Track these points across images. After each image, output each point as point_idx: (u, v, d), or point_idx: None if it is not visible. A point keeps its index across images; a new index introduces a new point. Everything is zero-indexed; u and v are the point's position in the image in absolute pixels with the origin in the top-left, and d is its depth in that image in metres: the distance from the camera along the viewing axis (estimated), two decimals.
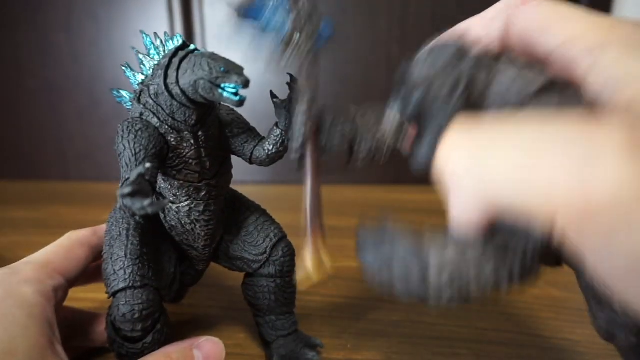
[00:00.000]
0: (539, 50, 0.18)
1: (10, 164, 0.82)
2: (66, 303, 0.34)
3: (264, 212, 0.33)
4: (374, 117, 0.22)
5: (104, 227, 0.32)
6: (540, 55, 0.18)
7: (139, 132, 0.25)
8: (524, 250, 0.17)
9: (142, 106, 0.27)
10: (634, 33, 0.15)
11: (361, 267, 0.18)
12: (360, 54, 0.74)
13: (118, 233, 0.28)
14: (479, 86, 0.18)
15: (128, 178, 0.22)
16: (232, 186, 0.32)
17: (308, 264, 0.20)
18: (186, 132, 0.27)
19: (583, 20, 0.17)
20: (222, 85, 0.23)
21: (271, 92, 0.28)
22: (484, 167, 0.14)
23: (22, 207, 0.68)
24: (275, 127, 0.28)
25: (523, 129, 0.14)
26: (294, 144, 0.21)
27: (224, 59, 0.24)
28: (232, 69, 0.23)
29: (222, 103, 0.28)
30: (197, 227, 0.29)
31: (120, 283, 0.26)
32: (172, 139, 0.26)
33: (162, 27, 0.74)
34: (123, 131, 0.25)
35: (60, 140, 0.81)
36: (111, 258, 0.27)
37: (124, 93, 0.29)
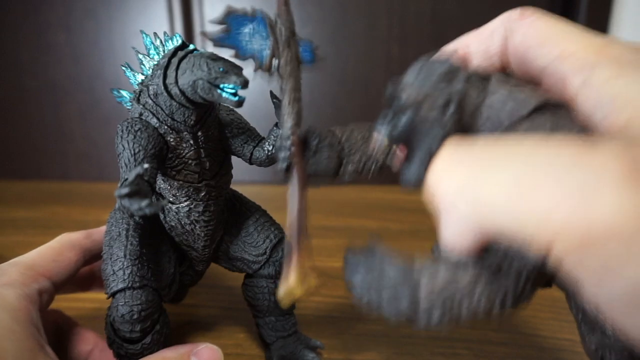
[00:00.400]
0: (533, 66, 0.18)
1: (10, 164, 0.82)
2: (66, 303, 0.34)
3: (264, 213, 0.33)
4: (361, 138, 0.22)
5: (98, 230, 0.32)
6: (535, 70, 0.18)
7: (138, 133, 0.25)
8: (518, 273, 0.16)
9: (141, 106, 0.27)
10: (625, 53, 0.15)
11: (349, 288, 0.18)
12: (360, 54, 0.74)
13: (117, 233, 0.28)
14: (470, 107, 0.18)
15: (127, 178, 0.22)
16: (232, 186, 0.32)
17: (292, 279, 0.19)
18: (185, 133, 0.27)
19: (576, 37, 0.17)
20: (221, 86, 0.23)
21: (271, 92, 0.28)
22: (477, 191, 0.14)
23: (22, 207, 0.68)
24: (275, 128, 0.28)
25: (517, 152, 0.14)
26: (279, 164, 0.21)
27: (223, 59, 0.24)
28: (231, 70, 0.23)
29: (221, 103, 0.28)
30: (197, 227, 0.29)
31: (119, 283, 0.26)
32: (172, 139, 0.26)
33: (162, 27, 0.74)
34: (122, 131, 0.25)
35: (60, 140, 0.81)
36: (110, 258, 0.27)
37: (124, 93, 0.29)
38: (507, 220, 0.14)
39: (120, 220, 0.28)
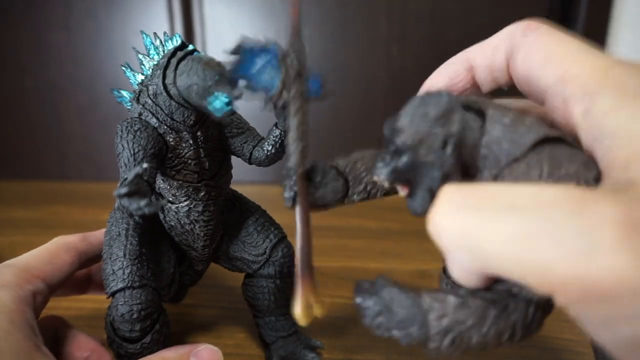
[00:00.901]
0: (537, 86, 0.18)
1: (10, 164, 0.82)
2: (67, 303, 0.34)
3: (263, 213, 0.33)
4: (364, 169, 0.22)
5: (94, 233, 0.32)
6: (538, 91, 0.18)
7: (138, 132, 0.25)
8: (527, 302, 0.16)
9: (141, 106, 0.27)
10: (631, 78, 0.15)
11: (359, 310, 0.18)
12: (360, 54, 0.74)
13: (117, 233, 0.28)
14: (468, 147, 0.18)
15: (126, 178, 0.22)
16: (232, 186, 0.32)
17: (297, 309, 0.20)
18: (185, 133, 0.27)
19: (580, 58, 0.16)
20: (215, 93, 0.24)
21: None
22: (477, 241, 0.14)
23: (22, 207, 0.68)
24: (274, 128, 0.28)
25: (514, 203, 0.14)
26: (285, 194, 0.21)
27: (219, 67, 0.24)
28: (225, 79, 0.23)
29: (211, 111, 0.27)
30: (197, 227, 0.29)
31: (119, 283, 0.26)
32: (171, 139, 0.26)
33: (162, 27, 0.74)
34: (122, 131, 0.25)
35: (60, 140, 0.81)
36: (110, 258, 0.27)
37: (124, 93, 0.29)
38: (506, 270, 0.14)
39: (120, 220, 0.28)
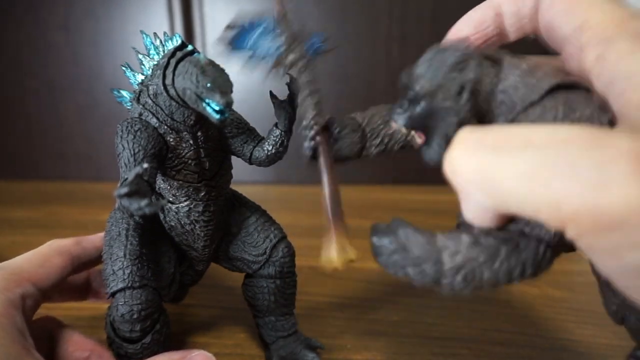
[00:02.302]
0: (557, 34, 0.18)
1: (10, 164, 0.82)
2: (67, 304, 0.34)
3: (263, 213, 0.33)
4: (381, 122, 0.23)
5: (89, 237, 0.31)
6: (558, 38, 0.18)
7: (138, 132, 0.25)
8: (538, 240, 0.17)
9: (141, 106, 0.27)
10: None
11: (374, 249, 0.18)
12: (360, 54, 0.74)
13: (117, 233, 0.28)
14: (483, 93, 0.18)
15: (126, 178, 0.22)
16: (232, 186, 0.32)
17: (331, 250, 0.21)
18: (185, 133, 0.27)
19: (601, 8, 0.17)
20: (207, 100, 0.23)
21: (271, 92, 0.28)
22: (491, 178, 0.14)
23: (22, 207, 0.67)
24: (274, 128, 0.28)
25: (529, 141, 0.14)
26: (304, 151, 0.22)
27: (214, 73, 0.24)
28: (217, 88, 0.23)
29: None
30: (197, 227, 0.29)
31: (119, 283, 0.26)
32: (171, 139, 0.26)
33: (162, 27, 0.74)
34: (122, 131, 0.25)
35: (60, 140, 0.81)
36: (110, 258, 0.27)
37: (124, 93, 0.29)
38: (521, 206, 0.14)
39: (120, 220, 0.28)
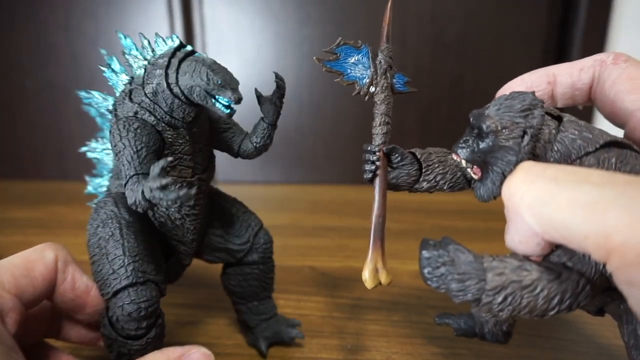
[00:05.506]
0: (621, 108, 0.21)
1: (10, 164, 0.82)
2: None
3: (241, 204, 0.35)
4: (437, 160, 0.25)
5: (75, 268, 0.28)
6: (621, 112, 0.21)
7: (138, 130, 0.26)
8: (579, 274, 0.18)
9: (136, 105, 0.27)
10: None
11: (422, 261, 0.19)
12: None
13: (110, 234, 0.27)
14: (543, 141, 0.20)
15: (136, 174, 0.23)
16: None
17: (365, 272, 0.23)
18: (182, 129, 0.27)
19: None
20: (216, 97, 0.25)
21: (256, 89, 0.30)
22: (548, 203, 0.16)
23: (22, 207, 0.68)
24: (261, 122, 0.30)
25: (589, 176, 0.16)
26: (365, 175, 0.25)
27: (223, 71, 0.26)
28: (228, 84, 0.25)
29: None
30: (187, 221, 0.30)
31: (122, 281, 0.26)
32: (169, 136, 0.27)
33: (162, 27, 0.74)
34: (120, 130, 0.26)
35: (59, 140, 0.81)
36: (107, 258, 0.27)
37: (95, 93, 0.30)
38: (570, 233, 0.15)
39: (109, 221, 0.28)
